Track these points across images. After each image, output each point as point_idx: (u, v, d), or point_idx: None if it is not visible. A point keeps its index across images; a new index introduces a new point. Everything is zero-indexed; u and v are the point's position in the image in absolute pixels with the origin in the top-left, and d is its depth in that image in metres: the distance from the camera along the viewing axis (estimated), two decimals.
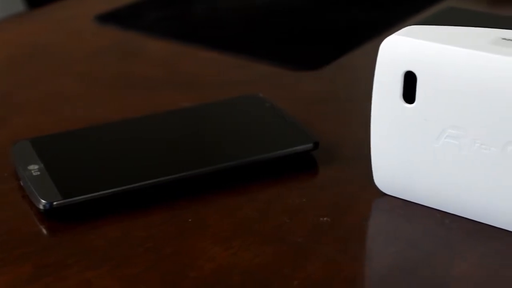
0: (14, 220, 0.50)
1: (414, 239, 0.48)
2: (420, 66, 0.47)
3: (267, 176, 0.54)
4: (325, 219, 0.50)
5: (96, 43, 0.77)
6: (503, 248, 0.47)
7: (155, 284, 0.45)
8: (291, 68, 0.71)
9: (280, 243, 0.48)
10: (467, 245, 0.48)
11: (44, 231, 0.49)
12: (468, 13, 0.52)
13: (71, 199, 0.49)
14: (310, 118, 0.61)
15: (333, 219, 0.50)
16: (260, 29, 0.81)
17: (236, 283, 0.45)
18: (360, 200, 0.52)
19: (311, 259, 0.46)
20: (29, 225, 0.50)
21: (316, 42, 0.78)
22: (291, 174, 0.55)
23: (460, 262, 0.46)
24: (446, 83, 0.47)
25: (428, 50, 0.47)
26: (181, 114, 0.60)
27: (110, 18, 0.83)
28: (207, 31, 0.80)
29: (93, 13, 0.83)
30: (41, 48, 0.76)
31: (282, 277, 0.45)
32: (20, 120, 0.63)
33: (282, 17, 0.84)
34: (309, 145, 0.55)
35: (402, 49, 0.48)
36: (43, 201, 0.49)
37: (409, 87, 0.48)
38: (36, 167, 0.52)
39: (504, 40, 0.47)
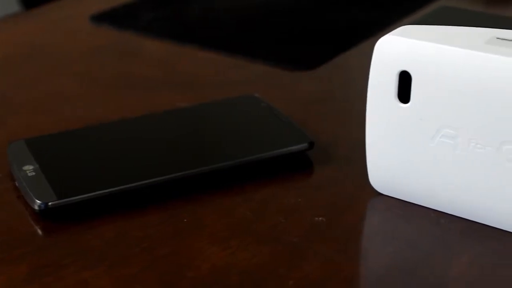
0: (9, 221, 0.50)
1: (411, 239, 0.49)
2: (415, 66, 0.48)
3: (263, 176, 0.54)
4: (320, 219, 0.50)
5: (93, 43, 0.77)
6: (500, 248, 0.48)
7: (152, 284, 0.45)
8: (287, 68, 0.71)
9: (276, 243, 0.48)
10: (463, 244, 0.48)
11: (40, 231, 0.49)
12: (463, 12, 0.52)
13: (66, 200, 0.49)
14: (306, 118, 0.61)
15: (328, 219, 0.50)
16: (256, 29, 0.81)
17: (234, 283, 0.45)
18: (355, 200, 0.52)
19: (307, 259, 0.46)
20: (24, 225, 0.50)
21: (312, 42, 0.78)
22: (287, 174, 0.55)
23: (457, 261, 0.46)
24: (441, 83, 0.47)
25: (423, 49, 0.47)
26: (177, 114, 0.60)
27: (106, 18, 0.83)
28: (203, 31, 0.80)
29: (89, 13, 0.83)
30: (37, 48, 0.76)
31: (278, 277, 0.45)
32: (17, 120, 0.62)
33: (278, 17, 0.84)
34: (304, 145, 0.55)
35: (397, 49, 0.48)
36: (38, 201, 0.49)
37: (404, 87, 0.48)
38: (31, 167, 0.52)
39: (499, 39, 0.47)
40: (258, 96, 0.62)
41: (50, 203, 0.49)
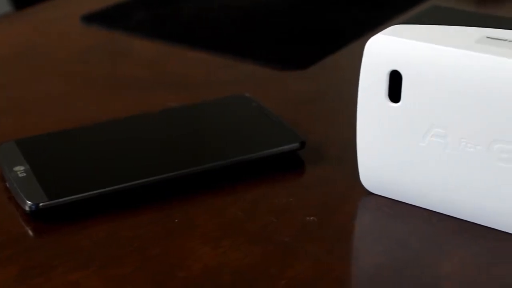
0: (0, 222, 0.50)
1: (402, 238, 0.49)
2: (405, 65, 0.48)
3: (254, 175, 0.54)
4: (312, 218, 0.50)
5: (83, 43, 0.77)
6: (490, 247, 0.48)
7: (143, 285, 0.45)
8: (277, 68, 0.71)
9: (267, 243, 0.48)
10: (454, 243, 0.48)
11: (30, 232, 0.49)
12: (453, 12, 0.52)
13: (57, 200, 0.49)
14: (297, 118, 0.61)
15: (320, 218, 0.50)
16: (247, 29, 0.81)
17: (225, 283, 0.45)
18: (347, 200, 0.52)
19: (298, 258, 0.46)
20: (15, 226, 0.49)
21: (303, 42, 0.78)
22: (278, 173, 0.55)
23: (448, 260, 0.46)
24: (431, 82, 0.47)
25: (413, 49, 0.47)
26: (168, 115, 0.60)
27: (97, 18, 0.83)
28: (194, 31, 0.80)
29: (79, 13, 0.83)
30: (28, 48, 0.76)
31: (269, 276, 0.45)
32: (7, 121, 0.62)
33: (269, 17, 0.84)
34: (295, 145, 0.55)
35: (387, 48, 0.48)
36: (29, 202, 0.49)
37: (395, 86, 0.48)
38: (22, 168, 0.52)
39: (489, 38, 0.47)
40: (249, 96, 0.62)
41: (41, 204, 0.49)
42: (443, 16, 0.51)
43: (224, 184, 0.53)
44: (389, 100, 0.49)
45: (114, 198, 0.51)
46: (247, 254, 0.47)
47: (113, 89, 0.68)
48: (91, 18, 0.82)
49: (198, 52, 0.74)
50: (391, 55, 0.48)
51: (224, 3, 0.88)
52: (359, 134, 0.51)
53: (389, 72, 0.48)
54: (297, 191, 0.53)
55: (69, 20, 0.82)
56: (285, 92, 0.67)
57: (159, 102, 0.64)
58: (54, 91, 0.67)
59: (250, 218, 0.50)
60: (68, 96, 0.66)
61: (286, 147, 0.55)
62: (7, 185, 0.52)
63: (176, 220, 0.50)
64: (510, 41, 0.47)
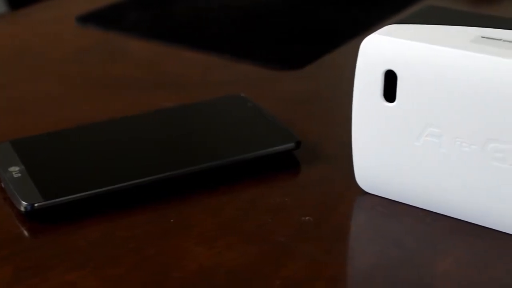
0: None
1: (397, 237, 0.49)
2: (400, 65, 0.48)
3: (249, 175, 0.54)
4: (307, 218, 0.50)
5: (79, 43, 0.77)
6: (485, 246, 0.48)
7: (139, 285, 0.45)
8: (273, 68, 0.71)
9: (263, 242, 0.48)
10: (449, 243, 0.48)
11: (26, 232, 0.49)
12: (448, 11, 0.52)
13: (53, 201, 0.49)
14: (293, 118, 0.61)
15: (315, 218, 0.50)
16: (243, 29, 0.81)
17: (221, 283, 0.45)
18: (342, 199, 0.52)
19: (293, 258, 0.46)
20: (10, 227, 0.49)
21: (299, 41, 0.78)
22: (274, 173, 0.55)
23: (443, 260, 0.47)
24: (426, 82, 0.47)
25: (408, 49, 0.47)
26: (164, 115, 0.60)
27: (92, 18, 0.83)
28: (189, 31, 0.80)
29: (74, 14, 0.83)
30: (23, 49, 0.76)
31: (264, 276, 0.45)
32: (2, 122, 0.62)
33: (265, 17, 0.84)
34: (291, 145, 0.55)
35: (382, 48, 0.48)
36: (24, 202, 0.49)
37: (390, 86, 0.48)
38: (17, 168, 0.52)
39: (484, 38, 0.47)
40: (245, 96, 0.62)
41: (36, 204, 0.49)
42: (438, 16, 0.51)
43: (220, 184, 0.53)
44: (384, 100, 0.49)
45: (110, 198, 0.51)
46: (242, 254, 0.47)
47: (108, 89, 0.68)
48: (87, 19, 0.82)
49: (194, 52, 0.74)
50: (386, 55, 0.48)
51: (220, 3, 0.88)
52: (354, 134, 0.51)
53: (384, 72, 0.48)
54: (293, 191, 0.53)
55: (64, 20, 0.82)
56: (280, 92, 0.67)
57: (155, 102, 0.64)
58: (49, 91, 0.67)
59: (246, 218, 0.50)
60: (64, 97, 0.66)
61: (281, 147, 0.55)
62: (2, 186, 0.52)
63: (172, 220, 0.50)
64: (505, 40, 0.47)
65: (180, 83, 0.68)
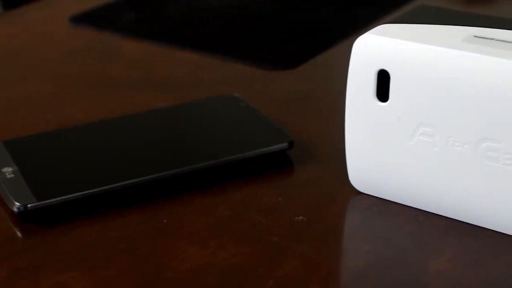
0: None
1: (390, 237, 0.49)
2: (393, 65, 0.48)
3: (242, 175, 0.54)
4: (300, 218, 0.50)
5: (71, 44, 0.77)
6: (478, 245, 0.48)
7: (132, 285, 0.45)
8: (266, 68, 0.71)
9: (256, 242, 0.48)
10: (442, 242, 0.48)
11: (19, 233, 0.49)
12: (441, 11, 0.52)
13: (46, 201, 0.49)
14: (286, 117, 0.61)
15: (308, 218, 0.50)
16: (236, 29, 0.81)
17: (213, 283, 0.45)
18: (335, 199, 0.52)
19: (286, 258, 0.46)
20: (3, 228, 0.49)
21: (292, 41, 0.78)
22: (267, 173, 0.55)
23: (436, 259, 0.47)
24: (419, 81, 0.47)
25: (401, 48, 0.47)
26: (157, 115, 0.60)
27: (84, 19, 0.82)
28: (182, 31, 0.80)
29: (67, 14, 0.83)
30: (16, 49, 0.76)
31: (257, 276, 0.45)
32: None
33: (257, 17, 0.84)
34: (284, 145, 0.55)
35: (375, 48, 0.48)
36: (17, 203, 0.49)
37: (383, 85, 0.48)
38: (10, 169, 0.52)
39: (476, 38, 0.47)
40: (238, 96, 0.62)
41: (29, 205, 0.49)
42: (431, 15, 0.51)
43: (213, 184, 0.53)
44: (377, 100, 0.49)
45: (103, 199, 0.51)
46: (235, 254, 0.47)
47: (101, 89, 0.67)
48: (79, 19, 0.82)
49: (187, 52, 0.74)
50: (379, 55, 0.48)
51: (212, 3, 0.88)
52: (347, 134, 0.51)
53: (377, 72, 0.48)
54: (286, 191, 0.53)
55: (57, 20, 0.82)
56: (274, 91, 0.67)
57: (148, 102, 0.63)
58: (42, 91, 0.67)
59: (239, 218, 0.50)
60: (56, 97, 0.66)
61: (274, 147, 0.55)
62: None
63: (165, 221, 0.50)
64: (497, 40, 0.47)
65: (173, 83, 0.68)
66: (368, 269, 0.46)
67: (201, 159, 0.54)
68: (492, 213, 0.48)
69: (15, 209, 0.49)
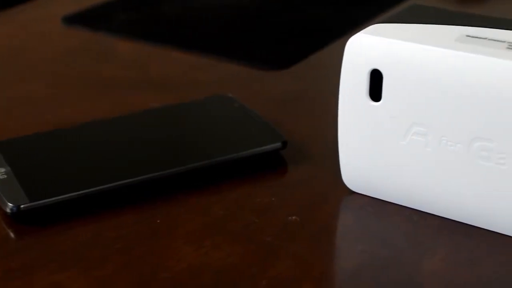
0: None
1: (384, 236, 0.49)
2: (386, 64, 0.48)
3: (236, 175, 0.54)
4: (294, 218, 0.50)
5: (65, 44, 0.77)
6: (472, 244, 0.48)
7: (127, 285, 0.45)
8: (260, 68, 0.71)
9: (249, 242, 0.48)
10: (436, 241, 0.48)
11: (12, 234, 0.49)
12: (433, 10, 0.52)
13: (39, 202, 0.49)
14: (280, 117, 0.61)
15: (302, 218, 0.50)
16: (230, 29, 0.81)
17: (208, 283, 0.45)
18: (329, 199, 0.52)
19: (280, 258, 0.47)
20: None
21: (285, 41, 0.78)
22: (260, 173, 0.55)
23: (431, 258, 0.47)
24: (412, 81, 0.47)
25: (394, 48, 0.47)
26: (151, 115, 0.60)
27: (78, 19, 0.82)
28: (176, 31, 0.80)
29: (61, 14, 0.83)
30: (9, 50, 0.76)
31: (251, 276, 0.45)
32: None
33: (251, 16, 0.84)
34: (277, 144, 0.55)
35: (368, 47, 0.48)
36: (10, 204, 0.49)
37: (376, 85, 0.48)
38: (2, 170, 0.52)
39: (469, 37, 0.47)
40: (232, 96, 0.62)
41: (22, 206, 0.49)
42: (423, 15, 0.51)
43: (207, 184, 0.53)
44: (370, 99, 0.49)
45: (97, 199, 0.51)
46: (229, 254, 0.47)
47: (95, 90, 0.67)
48: (72, 19, 0.82)
49: (181, 53, 0.74)
50: (371, 54, 0.48)
51: (207, 3, 0.88)
52: (340, 133, 0.51)
53: (370, 71, 0.48)
54: (279, 191, 0.53)
55: (50, 21, 0.82)
56: (267, 91, 0.67)
57: (142, 102, 0.63)
58: (36, 92, 0.67)
59: (233, 218, 0.50)
60: (50, 97, 0.66)
61: (268, 147, 0.55)
62: None
63: (158, 221, 0.50)
64: (489, 39, 0.47)
65: (166, 83, 0.68)
66: (362, 269, 0.46)
67: (195, 159, 0.54)
68: (485, 212, 0.48)
69: (8, 210, 0.49)
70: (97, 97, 0.66)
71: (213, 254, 0.47)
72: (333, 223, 0.51)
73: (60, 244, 0.48)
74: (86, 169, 0.53)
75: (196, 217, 0.50)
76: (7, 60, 0.74)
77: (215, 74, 0.70)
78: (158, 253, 0.47)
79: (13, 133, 0.58)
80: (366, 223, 0.50)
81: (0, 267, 0.46)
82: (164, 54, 0.74)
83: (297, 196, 0.52)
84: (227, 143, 0.56)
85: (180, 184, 0.53)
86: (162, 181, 0.53)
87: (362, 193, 0.52)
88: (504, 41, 0.47)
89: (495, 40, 0.47)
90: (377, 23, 0.50)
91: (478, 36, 0.47)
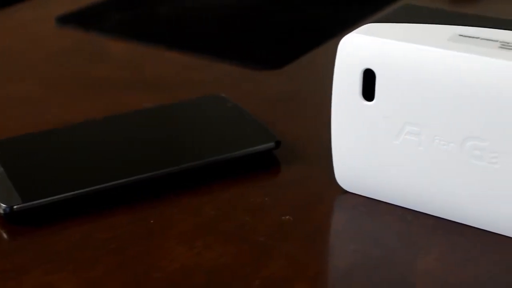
0: None
1: (377, 236, 0.49)
2: (378, 64, 0.48)
3: (229, 175, 0.54)
4: (287, 217, 0.50)
5: (58, 44, 0.77)
6: (465, 243, 0.48)
7: (120, 285, 0.45)
8: (253, 68, 0.71)
9: (242, 242, 0.48)
10: (429, 241, 0.48)
11: (5, 235, 0.49)
12: (426, 10, 0.52)
13: (32, 203, 0.49)
14: (273, 117, 0.61)
15: (295, 217, 0.50)
16: (223, 29, 0.81)
17: (201, 283, 0.45)
18: (322, 199, 0.52)
19: (273, 258, 0.46)
20: None
21: (278, 41, 0.78)
22: (253, 173, 0.55)
23: (423, 258, 0.47)
24: (404, 80, 0.47)
25: (386, 47, 0.47)
26: (144, 115, 0.60)
27: (71, 19, 0.82)
28: (169, 31, 0.80)
29: (54, 15, 0.83)
30: (2, 50, 0.76)
31: (244, 276, 0.45)
32: None
33: (244, 16, 0.84)
34: (270, 144, 0.55)
35: (360, 47, 0.48)
36: (3, 205, 0.49)
37: (368, 84, 0.48)
38: None
39: (461, 36, 0.47)
40: (225, 96, 0.62)
41: (15, 207, 0.49)
42: (416, 14, 0.51)
43: (200, 184, 0.53)
44: (363, 99, 0.49)
45: (90, 200, 0.51)
46: (222, 254, 0.47)
47: (89, 90, 0.67)
48: (66, 19, 0.82)
49: (174, 53, 0.74)
50: (364, 54, 0.48)
51: (200, 3, 0.88)
52: (333, 133, 0.51)
53: (363, 71, 0.48)
54: (273, 191, 0.53)
55: (44, 21, 0.82)
56: (261, 91, 0.67)
57: (136, 102, 0.63)
58: (29, 92, 0.67)
59: (226, 218, 0.50)
60: (44, 98, 0.66)
61: (261, 147, 0.55)
62: None
63: (152, 221, 0.50)
64: (482, 39, 0.47)
65: (159, 83, 0.68)
66: (355, 269, 0.46)
67: (188, 159, 0.54)
68: (479, 211, 0.48)
69: (1, 211, 0.49)
70: (91, 97, 0.66)
71: (206, 254, 0.47)
72: (327, 222, 0.51)
73: (53, 244, 0.48)
74: (79, 169, 0.53)
75: (189, 218, 0.50)
76: (0, 59, 0.74)
77: (208, 74, 0.70)
78: (152, 253, 0.47)
79: (5, 133, 0.58)
80: (360, 222, 0.50)
81: None
82: (158, 54, 0.74)
83: (290, 196, 0.52)
84: (220, 143, 0.56)
85: (172, 184, 0.53)
86: (155, 181, 0.53)
87: (356, 192, 0.52)
88: (497, 41, 0.47)
89: (487, 40, 0.47)
90: (370, 23, 0.50)
91: (471, 36, 0.47)
